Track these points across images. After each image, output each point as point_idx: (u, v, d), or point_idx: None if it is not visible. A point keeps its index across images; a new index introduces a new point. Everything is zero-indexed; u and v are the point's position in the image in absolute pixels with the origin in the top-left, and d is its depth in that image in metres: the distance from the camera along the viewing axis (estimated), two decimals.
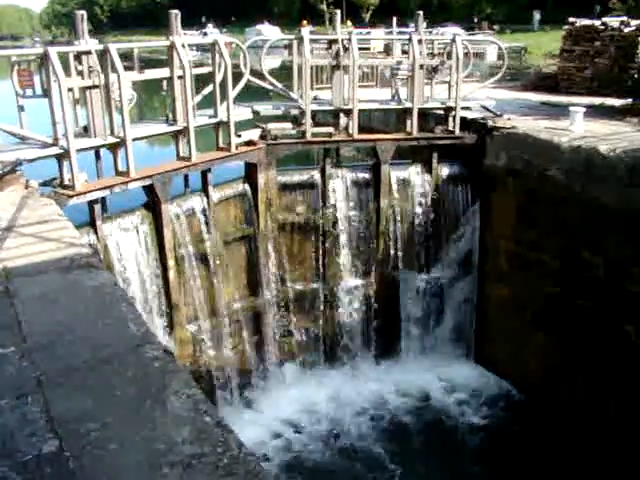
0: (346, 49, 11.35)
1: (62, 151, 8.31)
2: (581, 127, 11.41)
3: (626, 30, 16.18)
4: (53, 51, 7.96)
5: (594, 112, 13.13)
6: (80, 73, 8.70)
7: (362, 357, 13.00)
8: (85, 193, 8.56)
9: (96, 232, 8.86)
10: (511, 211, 11.80)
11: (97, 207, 8.88)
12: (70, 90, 8.46)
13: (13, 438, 3.08)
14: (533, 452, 10.78)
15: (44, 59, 8.02)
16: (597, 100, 14.98)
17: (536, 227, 11.38)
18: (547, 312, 11.47)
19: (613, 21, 16.81)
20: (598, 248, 10.33)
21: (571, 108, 11.77)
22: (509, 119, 12.13)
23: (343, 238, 12.26)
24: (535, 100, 15.76)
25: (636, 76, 15.07)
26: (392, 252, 12.50)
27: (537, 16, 57.64)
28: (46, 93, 8.26)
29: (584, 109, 11.73)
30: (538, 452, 10.75)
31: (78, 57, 8.67)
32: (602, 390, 10.66)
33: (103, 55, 8.58)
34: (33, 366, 3.71)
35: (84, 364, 3.72)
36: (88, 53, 8.60)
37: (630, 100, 13.80)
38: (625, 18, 16.98)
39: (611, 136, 11.04)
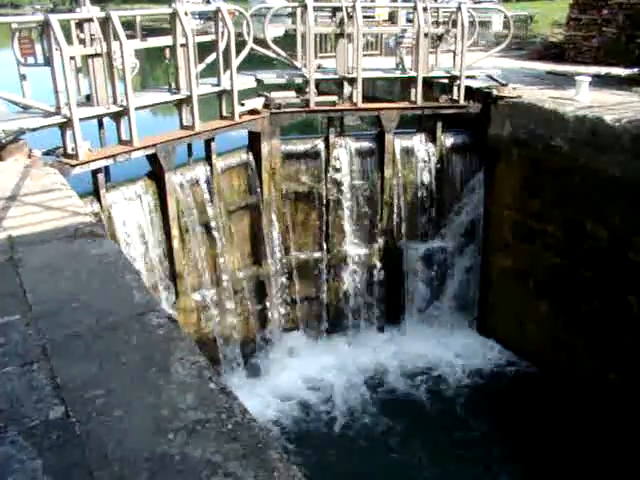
0: (350, 17, 11.22)
1: (65, 120, 8.27)
2: (587, 97, 11.32)
3: None
4: (54, 18, 7.87)
5: (600, 82, 13.03)
6: (82, 41, 8.62)
7: (365, 326, 13.10)
8: (88, 162, 8.55)
9: (100, 201, 8.86)
10: (515, 181, 11.76)
11: (100, 176, 8.87)
12: (72, 58, 8.38)
13: (20, 404, 3.12)
14: (535, 419, 10.90)
15: (45, 27, 7.94)
16: (603, 70, 14.82)
17: (540, 197, 11.35)
18: (550, 282, 11.50)
19: None
20: (602, 218, 10.32)
21: (577, 78, 11.66)
22: (514, 88, 12.03)
23: (347, 207, 12.26)
24: (541, 69, 15.61)
25: None
26: (396, 221, 12.51)
27: None
28: (48, 61, 8.19)
29: (590, 79, 11.62)
30: (540, 419, 10.87)
31: (80, 25, 8.58)
32: (603, 359, 10.73)
33: (105, 23, 8.49)
34: (39, 334, 3.75)
35: (89, 331, 3.76)
36: (90, 21, 8.51)
37: (636, 70, 13.68)
38: None
39: (617, 106, 10.96)
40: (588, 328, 10.93)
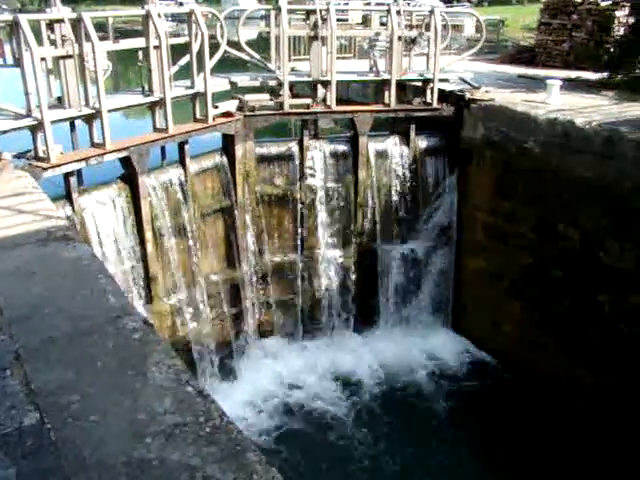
0: (324, 20, 11.24)
1: (36, 122, 8.16)
2: (558, 100, 11.47)
3: (602, 4, 16.20)
4: (24, 18, 7.75)
5: (570, 85, 13.20)
6: (53, 42, 8.51)
7: (341, 328, 13.12)
8: (60, 165, 8.44)
9: (72, 205, 8.75)
10: (488, 183, 11.87)
11: (73, 179, 8.76)
12: (43, 60, 8.29)
13: None
14: (507, 418, 11.00)
15: (14, 27, 7.82)
16: (573, 73, 15.03)
17: (512, 199, 11.48)
18: (523, 282, 11.63)
19: None
20: (573, 220, 10.46)
21: (548, 81, 11.82)
22: (487, 91, 12.14)
23: (321, 210, 12.26)
24: (512, 73, 15.77)
25: (612, 50, 15.14)
26: (370, 224, 12.55)
27: None
28: (18, 62, 8.06)
29: (561, 82, 11.79)
30: (512, 418, 10.97)
31: (50, 25, 8.47)
32: (575, 359, 10.87)
33: (77, 24, 8.40)
34: (11, 339, 3.69)
35: (63, 336, 3.71)
36: (61, 21, 8.41)
37: (606, 74, 13.88)
38: None
39: (587, 109, 11.12)
40: (560, 328, 11.07)
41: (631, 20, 14.92)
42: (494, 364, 12.53)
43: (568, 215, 10.53)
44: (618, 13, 15.95)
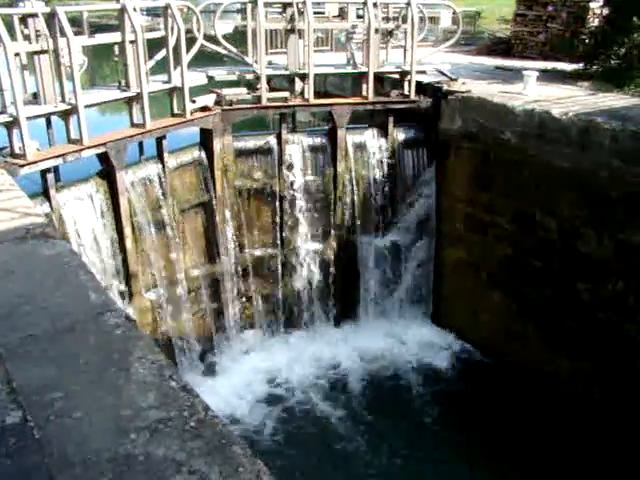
0: (301, 13, 11.21)
1: (11, 119, 8.07)
2: (534, 91, 11.56)
3: None
4: None
5: (547, 76, 13.32)
6: (27, 37, 8.41)
7: (322, 321, 13.15)
8: (37, 162, 8.36)
9: (50, 202, 8.68)
10: (466, 174, 11.95)
11: (50, 176, 8.68)
12: (17, 55, 8.17)
13: None
14: (488, 409, 11.12)
15: None
16: (550, 65, 15.17)
17: (491, 190, 11.56)
18: (502, 273, 11.74)
19: None
20: (551, 210, 10.57)
21: (524, 72, 11.90)
22: (464, 83, 12.20)
23: (301, 203, 12.26)
24: (489, 64, 15.87)
25: (587, 41, 15.28)
26: (350, 216, 12.58)
27: None
28: None
29: (537, 73, 11.88)
30: (494, 407, 11.08)
31: (24, 20, 8.37)
32: (554, 348, 11.00)
33: (51, 18, 8.31)
34: None
35: (45, 334, 3.68)
36: (34, 16, 8.31)
37: (582, 65, 14.01)
38: None
39: (563, 100, 11.22)
40: (539, 317, 11.20)
41: (605, 11, 15.06)
42: (475, 355, 12.64)
43: (546, 205, 10.63)
44: (593, 5, 16.12)
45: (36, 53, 8.43)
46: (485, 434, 10.59)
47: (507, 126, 10.95)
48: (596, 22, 15.72)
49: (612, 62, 13.35)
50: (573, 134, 10.00)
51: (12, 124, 8.13)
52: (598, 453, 9.73)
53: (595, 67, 13.64)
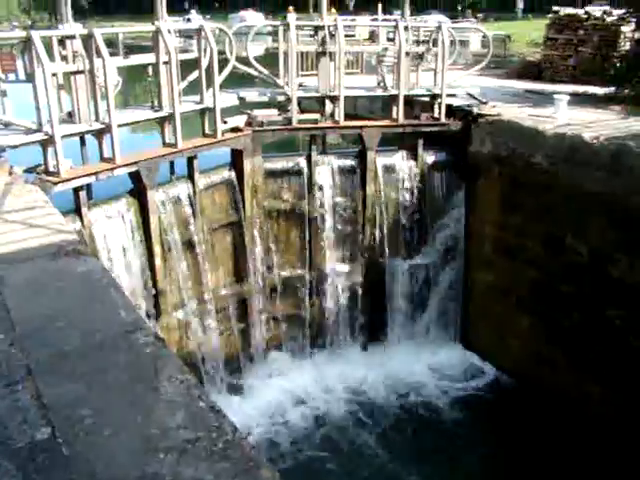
0: (332, 36, 11.30)
1: (46, 137, 8.22)
2: (565, 115, 11.47)
3: (608, 19, 16.29)
4: (36, 35, 7.84)
5: (577, 100, 13.21)
6: (64, 58, 8.60)
7: (349, 343, 13.06)
8: (70, 180, 8.49)
9: (82, 219, 8.79)
10: (496, 198, 11.86)
11: (82, 194, 8.81)
12: (54, 75, 8.35)
13: (4, 426, 3.06)
14: (518, 435, 10.91)
15: (27, 43, 7.91)
16: (580, 88, 15.05)
17: (521, 213, 11.46)
18: (531, 297, 11.58)
19: (596, 10, 16.91)
20: (581, 234, 10.43)
21: (555, 96, 11.82)
22: (494, 106, 12.17)
23: (329, 225, 12.26)
24: (519, 88, 15.81)
25: (618, 65, 15.17)
26: (378, 238, 12.53)
27: (520, 4, 57.98)
28: (29, 78, 8.15)
29: (568, 97, 11.79)
30: (522, 435, 10.88)
31: (62, 42, 8.57)
32: (585, 374, 10.79)
33: (88, 40, 8.48)
34: (23, 353, 3.69)
35: (75, 350, 3.71)
36: (72, 38, 8.50)
37: (613, 89, 13.90)
38: (607, 8, 17.10)
39: (594, 123, 11.12)
40: (569, 343, 11.00)
41: (637, 35, 14.95)
42: (503, 379, 12.44)
43: (576, 229, 10.50)
44: (624, 28, 16.02)
45: (72, 73, 8.61)
46: (513, 458, 10.41)
47: (538, 149, 10.87)
48: (627, 45, 15.61)
49: None
50: (604, 158, 9.89)
51: (47, 142, 8.28)
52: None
53: (627, 91, 13.50)
